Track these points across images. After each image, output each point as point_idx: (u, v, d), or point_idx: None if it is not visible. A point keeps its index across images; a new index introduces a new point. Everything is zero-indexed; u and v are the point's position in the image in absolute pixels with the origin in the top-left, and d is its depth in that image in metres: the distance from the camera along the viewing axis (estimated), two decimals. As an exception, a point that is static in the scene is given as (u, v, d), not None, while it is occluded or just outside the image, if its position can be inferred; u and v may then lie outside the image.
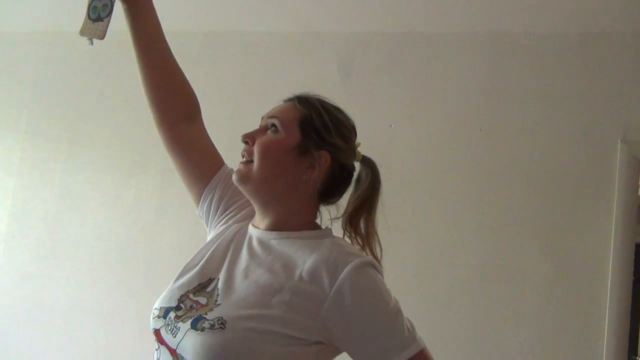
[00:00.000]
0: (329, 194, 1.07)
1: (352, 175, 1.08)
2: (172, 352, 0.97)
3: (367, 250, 1.05)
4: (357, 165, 1.09)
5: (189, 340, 0.94)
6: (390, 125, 2.23)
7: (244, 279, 1.00)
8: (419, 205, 2.16)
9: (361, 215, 1.06)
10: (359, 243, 1.06)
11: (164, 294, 1.05)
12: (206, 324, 0.93)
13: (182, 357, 0.95)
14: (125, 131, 2.51)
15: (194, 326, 0.94)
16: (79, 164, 2.58)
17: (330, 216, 1.08)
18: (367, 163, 1.08)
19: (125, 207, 2.44)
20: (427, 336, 0.98)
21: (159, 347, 1.00)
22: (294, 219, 1.05)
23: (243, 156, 1.05)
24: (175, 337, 0.96)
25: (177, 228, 2.35)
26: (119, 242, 2.44)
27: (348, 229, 1.07)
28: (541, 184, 2.07)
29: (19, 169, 2.66)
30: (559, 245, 2.03)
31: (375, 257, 1.04)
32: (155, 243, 2.39)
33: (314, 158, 1.03)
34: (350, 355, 0.99)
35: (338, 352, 1.02)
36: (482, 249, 2.08)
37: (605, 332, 1.93)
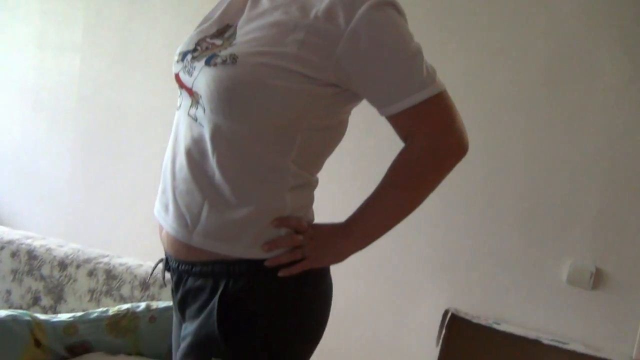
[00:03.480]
0: None
1: None
2: (189, 91, 0.99)
3: None
4: None
5: (202, 77, 0.95)
6: None
7: (260, 21, 0.98)
8: None
9: None
10: None
11: (184, 40, 1.06)
12: (218, 60, 0.94)
13: (198, 95, 0.96)
14: None
15: (207, 63, 0.95)
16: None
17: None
18: None
19: (189, 15, 2.45)
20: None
21: (180, 93, 1.03)
22: None
23: None
24: (191, 76, 0.98)
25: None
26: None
27: None
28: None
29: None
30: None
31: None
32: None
33: None
34: (364, 96, 0.98)
35: (355, 99, 1.00)
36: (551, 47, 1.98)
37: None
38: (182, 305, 1.07)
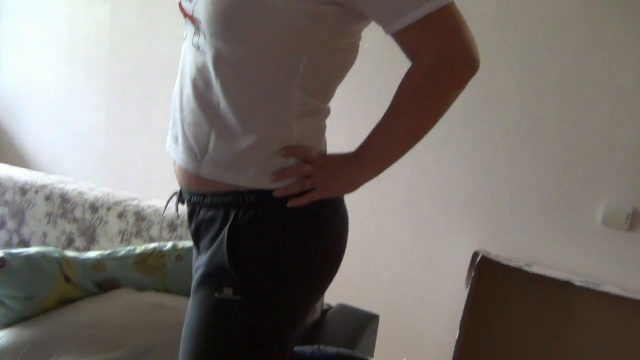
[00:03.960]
0: None
1: None
2: (191, 19, 0.97)
3: None
4: None
5: (201, 1, 0.93)
6: None
7: None
8: None
9: None
10: None
11: None
12: None
13: (199, 22, 0.94)
14: None
15: None
16: None
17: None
18: None
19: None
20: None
21: (185, 23, 1.01)
22: None
23: None
24: (191, 2, 0.96)
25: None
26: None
27: None
28: None
29: None
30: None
31: None
32: None
33: None
34: (368, 14, 0.93)
35: (361, 19, 0.95)
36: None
37: None
38: (196, 237, 1.09)
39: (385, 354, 2.36)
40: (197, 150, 1.00)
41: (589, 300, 1.93)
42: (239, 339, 1.00)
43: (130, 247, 1.62)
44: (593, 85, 1.90)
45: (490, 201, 2.07)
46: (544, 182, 1.99)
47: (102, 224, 1.86)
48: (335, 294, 2.32)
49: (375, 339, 1.86)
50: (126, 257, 1.57)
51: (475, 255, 1.98)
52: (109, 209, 1.86)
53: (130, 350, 1.41)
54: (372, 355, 1.90)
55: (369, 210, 2.26)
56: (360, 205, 2.26)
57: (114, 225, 1.85)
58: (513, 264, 1.96)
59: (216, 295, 0.99)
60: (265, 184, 0.98)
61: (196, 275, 1.04)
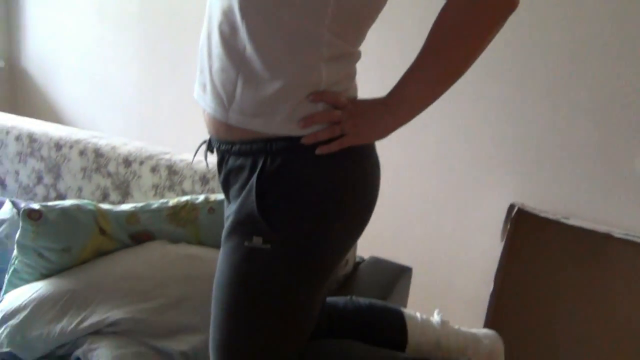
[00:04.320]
0: None
1: None
2: None
3: None
4: None
5: None
6: None
7: None
8: None
9: None
10: None
11: None
12: None
13: None
14: None
15: None
16: None
17: None
18: None
19: None
20: None
21: None
22: None
23: None
24: None
25: None
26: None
27: None
28: None
29: None
30: None
31: None
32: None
33: None
34: None
35: None
36: None
37: None
38: (226, 185, 1.08)
39: (418, 306, 2.35)
40: (224, 97, 0.98)
41: (629, 253, 1.88)
42: (268, 287, 0.99)
43: (163, 200, 1.63)
44: (637, 34, 1.80)
45: (528, 153, 2.02)
46: (583, 132, 1.92)
47: (135, 177, 1.88)
48: (368, 247, 2.32)
49: (407, 291, 1.86)
50: (159, 210, 1.58)
51: (511, 207, 1.94)
52: (141, 162, 1.87)
53: (164, 301, 1.43)
54: (405, 307, 1.89)
55: (401, 162, 2.22)
56: (392, 156, 2.23)
57: (147, 179, 1.86)
58: (550, 216, 1.91)
59: (246, 243, 0.99)
60: (293, 130, 0.96)
61: (226, 224, 1.04)
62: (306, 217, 0.98)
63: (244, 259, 1.00)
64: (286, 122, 0.96)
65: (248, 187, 0.99)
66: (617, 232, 1.84)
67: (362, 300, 1.36)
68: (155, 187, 1.83)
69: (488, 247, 2.09)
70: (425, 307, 2.34)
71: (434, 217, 2.23)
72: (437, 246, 2.26)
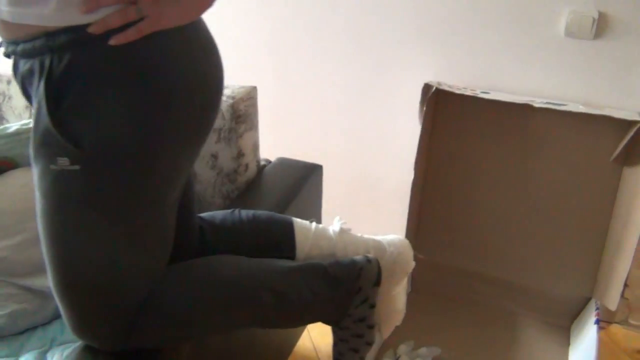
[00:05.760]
0: None
1: None
2: None
3: None
4: None
5: None
6: None
7: None
8: None
9: None
10: None
11: None
12: None
13: None
14: None
15: None
16: None
17: None
18: None
19: None
20: None
21: None
22: None
23: None
24: None
25: None
26: None
27: None
28: None
29: None
30: None
31: None
32: None
33: None
34: None
35: None
36: None
37: None
38: (27, 96, 0.90)
39: (342, 204, 2.26)
40: None
41: (551, 121, 1.76)
42: (87, 216, 0.85)
43: (25, 121, 1.45)
44: None
45: (443, 28, 1.84)
46: (499, -5, 1.74)
47: (5, 99, 1.68)
48: (279, 149, 2.18)
49: (319, 190, 1.74)
50: (17, 133, 1.41)
51: (426, 87, 1.78)
52: (9, 81, 1.67)
53: (26, 236, 1.28)
54: (320, 206, 1.78)
55: (306, 51, 2.03)
56: (295, 43, 2.04)
57: (19, 99, 1.66)
58: (468, 93, 1.76)
59: (51, 167, 0.83)
60: (75, 18, 0.78)
61: (30, 148, 0.87)
62: (111, 126, 0.82)
63: (54, 186, 0.84)
64: (63, 7, 0.77)
65: (38, 96, 0.81)
66: (538, 102, 1.70)
67: (245, 213, 1.22)
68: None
69: (412, 133, 1.96)
70: (351, 202, 2.24)
71: (352, 108, 2.08)
72: (357, 138, 2.12)
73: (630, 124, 1.65)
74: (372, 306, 1.16)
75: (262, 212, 1.23)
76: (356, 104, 2.07)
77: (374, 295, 1.16)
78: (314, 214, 1.71)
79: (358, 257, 1.17)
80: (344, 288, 1.13)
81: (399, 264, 1.24)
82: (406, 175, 1.88)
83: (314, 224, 1.24)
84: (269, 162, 1.73)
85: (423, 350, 1.78)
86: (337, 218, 1.28)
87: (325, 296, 1.12)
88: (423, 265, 2.03)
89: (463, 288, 2.03)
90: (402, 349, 1.80)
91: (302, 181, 1.63)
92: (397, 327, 1.91)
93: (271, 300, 1.05)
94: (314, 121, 2.15)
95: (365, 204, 2.22)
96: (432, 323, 1.94)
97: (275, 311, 1.07)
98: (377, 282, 1.17)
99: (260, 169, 1.66)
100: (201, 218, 1.18)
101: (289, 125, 2.20)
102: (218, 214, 1.21)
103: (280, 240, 1.18)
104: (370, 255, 1.19)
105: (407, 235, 1.94)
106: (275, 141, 2.22)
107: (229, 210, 1.22)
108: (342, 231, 1.24)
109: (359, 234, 1.26)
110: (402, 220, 1.91)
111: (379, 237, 1.28)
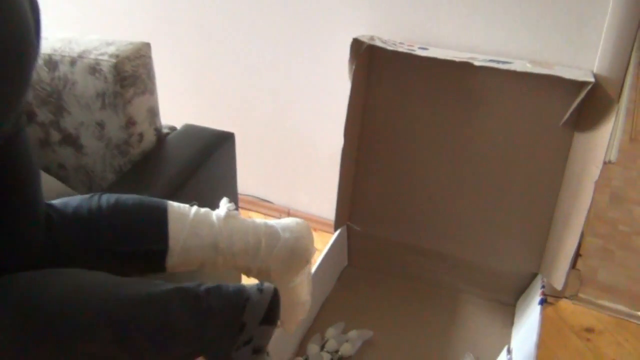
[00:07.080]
0: None
1: None
2: None
3: None
4: None
5: None
6: None
7: None
8: None
9: None
10: None
11: None
12: None
13: None
14: None
15: None
16: None
17: None
18: None
19: None
20: None
21: None
22: None
23: None
24: None
25: None
26: None
27: None
28: None
29: None
30: None
31: None
32: None
33: None
34: None
35: None
36: None
37: None
38: None
39: (270, 174, 2.07)
40: None
41: (495, 81, 1.57)
42: None
43: None
44: None
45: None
46: None
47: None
48: (194, 116, 1.97)
49: (232, 160, 1.54)
50: None
51: (356, 42, 1.57)
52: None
53: None
54: (234, 180, 1.59)
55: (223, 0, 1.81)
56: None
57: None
58: (404, 49, 1.56)
59: None
60: None
61: None
62: None
63: None
64: None
65: None
66: (480, 60, 1.50)
67: (107, 198, 1.01)
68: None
69: (347, 95, 1.76)
70: (283, 172, 2.06)
71: (280, 71, 1.87)
72: (287, 102, 1.92)
73: (581, 84, 1.47)
74: (258, 351, 0.95)
75: (129, 197, 1.02)
76: (283, 62, 1.85)
77: (262, 336, 0.95)
78: (225, 190, 1.52)
79: (248, 285, 0.97)
80: (218, 323, 0.93)
81: (296, 251, 1.06)
82: (340, 140, 1.69)
83: (194, 208, 1.05)
84: (173, 128, 1.53)
85: (353, 334, 1.63)
86: (225, 200, 1.09)
87: (190, 334, 0.91)
88: (358, 237, 1.87)
89: (401, 262, 1.87)
90: (331, 332, 1.64)
91: (208, 151, 1.43)
92: (325, 307, 1.76)
93: (109, 337, 0.85)
94: (235, 82, 1.94)
95: (299, 173, 2.04)
96: (367, 301, 1.79)
97: (119, 350, 0.87)
98: (269, 320, 0.95)
99: (162, 138, 1.46)
100: (50, 205, 0.98)
101: (205, 88, 1.98)
102: (73, 200, 1.00)
103: (149, 229, 0.99)
104: (267, 284, 0.97)
105: (340, 206, 1.77)
106: (190, 107, 2.01)
107: (87, 196, 1.02)
108: (229, 216, 1.05)
109: (250, 219, 1.08)
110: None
111: (272, 222, 1.09)
